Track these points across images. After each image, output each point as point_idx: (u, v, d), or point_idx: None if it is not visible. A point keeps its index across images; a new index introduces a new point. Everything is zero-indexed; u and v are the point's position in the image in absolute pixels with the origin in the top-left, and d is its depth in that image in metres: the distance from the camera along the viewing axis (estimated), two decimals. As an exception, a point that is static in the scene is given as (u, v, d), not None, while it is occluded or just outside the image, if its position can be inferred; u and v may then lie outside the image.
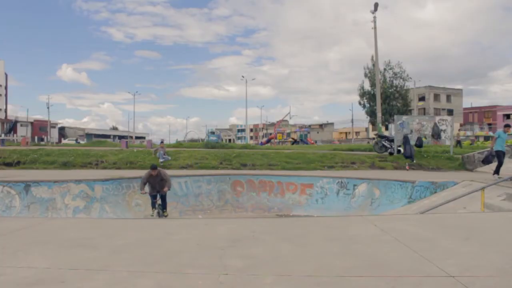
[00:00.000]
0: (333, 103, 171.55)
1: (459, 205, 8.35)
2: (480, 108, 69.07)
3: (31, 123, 68.85)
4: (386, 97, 39.28)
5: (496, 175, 10.32)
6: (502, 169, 10.58)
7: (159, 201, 9.67)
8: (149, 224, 4.91)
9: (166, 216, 9.43)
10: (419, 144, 17.04)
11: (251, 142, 64.69)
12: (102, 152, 17.18)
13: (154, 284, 2.78)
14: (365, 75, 40.96)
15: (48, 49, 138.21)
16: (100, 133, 79.72)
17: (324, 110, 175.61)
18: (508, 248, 3.76)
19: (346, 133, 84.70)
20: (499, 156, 10.50)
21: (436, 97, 66.02)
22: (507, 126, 10.79)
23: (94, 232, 4.05)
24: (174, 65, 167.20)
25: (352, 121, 74.11)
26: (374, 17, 23.47)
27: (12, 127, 64.35)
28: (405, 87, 42.15)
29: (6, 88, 64.05)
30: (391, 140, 17.82)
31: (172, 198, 12.28)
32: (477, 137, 42.63)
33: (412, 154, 16.19)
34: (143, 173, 13.31)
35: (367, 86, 40.89)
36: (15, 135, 55.46)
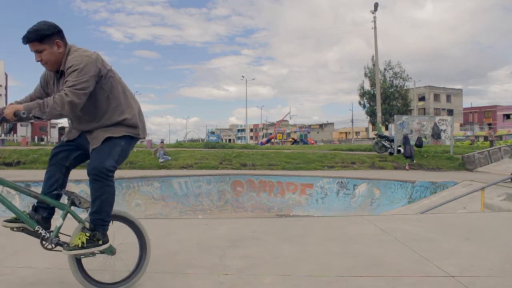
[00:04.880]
0: (333, 103, 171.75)
1: (459, 205, 8.35)
2: (480, 108, 69.03)
3: (31, 123, 68.82)
4: (386, 97, 39.31)
5: None
6: (502, 168, 10.57)
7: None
8: (149, 224, 4.91)
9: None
10: (419, 144, 17.05)
11: (251, 142, 64.68)
12: (102, 152, 17.15)
13: (154, 284, 2.78)
14: (365, 75, 41.02)
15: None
16: (100, 133, 79.54)
17: (324, 110, 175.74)
18: (508, 248, 3.76)
19: (346, 133, 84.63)
20: None
21: (436, 97, 65.98)
22: None
23: (94, 232, 4.07)
24: (173, 65, 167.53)
25: (352, 121, 74.18)
26: (374, 17, 23.51)
27: (12, 127, 63.81)
28: (405, 87, 42.19)
29: (6, 88, 64.04)
30: (391, 140, 17.83)
31: (172, 198, 12.30)
32: (477, 137, 42.59)
33: (412, 154, 16.19)
34: (143, 173, 13.36)
35: (367, 86, 40.97)
36: (15, 135, 55.45)
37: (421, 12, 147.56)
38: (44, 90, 2.60)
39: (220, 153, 17.18)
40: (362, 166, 15.87)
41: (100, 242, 2.50)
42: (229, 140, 69.39)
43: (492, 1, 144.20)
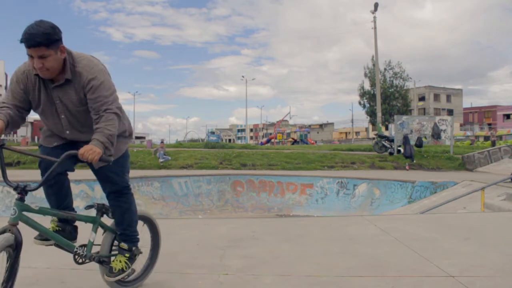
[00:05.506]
0: (333, 103, 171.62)
1: (459, 205, 8.36)
2: (480, 108, 69.02)
3: (31, 123, 68.69)
4: (386, 97, 39.28)
5: None
6: (502, 168, 10.56)
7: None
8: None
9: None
10: (419, 144, 17.05)
11: (251, 142, 64.66)
12: (102, 152, 17.15)
13: (154, 284, 2.78)
14: (365, 75, 40.98)
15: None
16: (100, 133, 79.45)
17: (324, 110, 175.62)
18: (508, 248, 3.76)
19: (346, 133, 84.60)
20: None
21: (436, 97, 65.95)
22: None
23: (94, 232, 4.08)
24: (173, 65, 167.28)
25: (352, 121, 74.16)
26: (374, 17, 23.50)
27: (12, 127, 64.12)
28: (405, 87, 42.15)
29: (6, 88, 64.06)
30: (391, 140, 17.83)
31: (172, 198, 12.30)
32: (477, 137, 42.57)
33: (412, 154, 16.19)
34: (143, 173, 13.34)
35: (367, 86, 40.93)
36: (15, 135, 55.46)
37: (421, 12, 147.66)
38: (26, 96, 2.20)
39: (220, 153, 17.18)
40: (362, 166, 15.87)
41: (137, 257, 2.55)
42: (229, 140, 69.38)
43: (492, 1, 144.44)
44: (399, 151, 17.04)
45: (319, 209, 11.93)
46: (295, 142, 54.36)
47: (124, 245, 2.47)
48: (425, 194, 11.07)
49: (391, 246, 3.87)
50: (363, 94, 41.09)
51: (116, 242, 2.52)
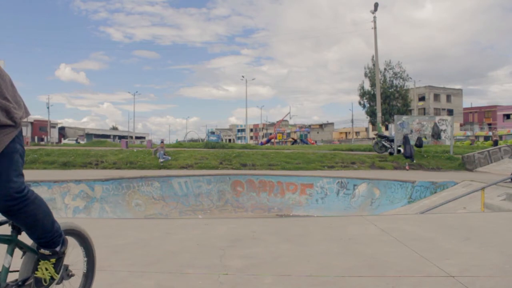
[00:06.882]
0: (333, 103, 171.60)
1: (459, 205, 8.36)
2: (480, 108, 69.05)
3: (31, 123, 68.79)
4: (386, 97, 39.28)
5: None
6: (502, 168, 10.57)
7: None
8: (149, 224, 4.91)
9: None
10: (419, 144, 17.06)
11: (251, 142, 64.66)
12: (102, 152, 17.20)
13: (154, 284, 2.78)
14: (365, 75, 40.97)
15: (47, 49, 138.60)
16: (100, 133, 79.69)
17: (324, 110, 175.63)
18: (508, 248, 3.76)
19: (346, 133, 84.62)
20: None
21: (436, 97, 65.98)
22: None
23: (94, 232, 4.05)
24: (173, 65, 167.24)
25: (352, 121, 74.17)
26: (374, 17, 23.48)
27: (12, 127, 64.03)
28: (405, 87, 42.14)
29: (6, 88, 63.86)
30: (391, 140, 17.83)
31: (172, 198, 12.30)
32: (477, 137, 42.58)
33: (412, 154, 16.20)
34: (143, 173, 13.35)
35: (367, 86, 40.91)
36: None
37: (421, 12, 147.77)
38: None
39: (220, 153, 17.18)
40: (362, 166, 15.87)
41: (65, 252, 1.95)
42: (229, 140, 69.39)
43: (491, 1, 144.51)
44: (399, 151, 17.05)
45: (319, 209, 11.93)
46: (294, 142, 54.39)
47: (45, 251, 1.86)
48: (425, 194, 11.07)
49: (391, 246, 3.87)
50: (363, 94, 41.09)
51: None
